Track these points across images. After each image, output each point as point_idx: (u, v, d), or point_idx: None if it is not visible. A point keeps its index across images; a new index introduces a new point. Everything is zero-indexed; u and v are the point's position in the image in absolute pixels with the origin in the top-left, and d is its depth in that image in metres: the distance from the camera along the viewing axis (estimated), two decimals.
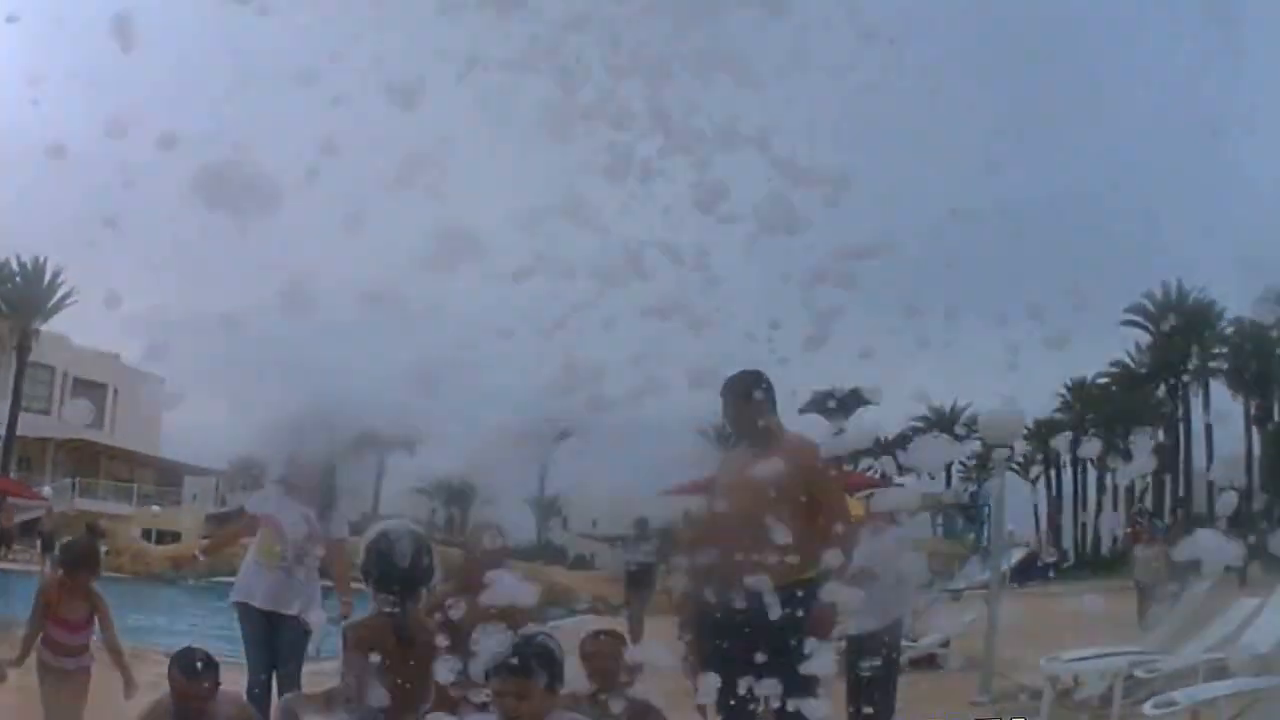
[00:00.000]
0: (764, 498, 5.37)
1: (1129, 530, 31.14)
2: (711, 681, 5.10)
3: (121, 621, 7.69)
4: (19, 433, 48.77)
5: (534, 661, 4.18)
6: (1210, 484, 47.75)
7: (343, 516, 7.44)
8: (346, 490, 7.73)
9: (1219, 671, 9.11)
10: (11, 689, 7.09)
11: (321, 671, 6.78)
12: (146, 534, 45.39)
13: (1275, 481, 45.02)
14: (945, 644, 13.52)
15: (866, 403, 6.88)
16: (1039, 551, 44.54)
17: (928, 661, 13.19)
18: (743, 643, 5.27)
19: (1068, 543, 52.51)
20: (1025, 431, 45.18)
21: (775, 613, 5.24)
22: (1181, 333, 50.90)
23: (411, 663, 4.48)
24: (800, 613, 5.41)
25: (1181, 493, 48.45)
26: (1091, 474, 53.96)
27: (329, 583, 7.50)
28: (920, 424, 56.12)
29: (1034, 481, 55.09)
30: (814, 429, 6.41)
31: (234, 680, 6.32)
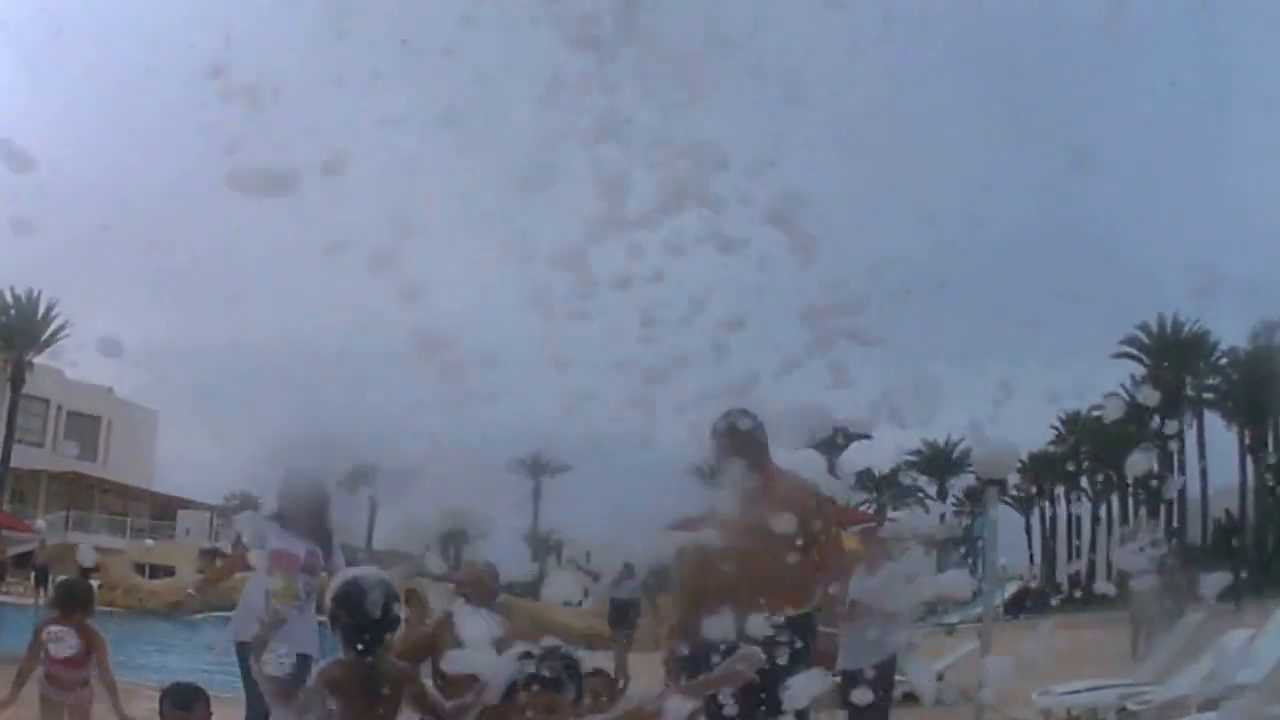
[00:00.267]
0: (756, 537, 5.40)
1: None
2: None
3: (114, 657, 7.75)
4: (12, 465, 48.73)
5: (564, 674, 4.18)
6: (1204, 514, 47.98)
7: (339, 551, 7.41)
8: (342, 525, 7.68)
9: (1210, 703, 9.14)
10: None
11: None
12: (140, 568, 45.13)
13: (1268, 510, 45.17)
14: (939, 677, 13.51)
15: (859, 437, 6.89)
16: (1033, 584, 44.52)
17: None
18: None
19: (1061, 575, 52.47)
20: (1019, 465, 45.30)
21: (771, 650, 5.26)
22: (1175, 364, 51.04)
23: (380, 711, 4.49)
24: (799, 646, 5.44)
25: (1176, 523, 48.48)
26: (1086, 505, 54.05)
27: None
28: (914, 458, 56.43)
29: (1028, 515, 55.17)
30: (808, 464, 6.42)
31: (224, 715, 6.32)
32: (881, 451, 5.86)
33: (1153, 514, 49.12)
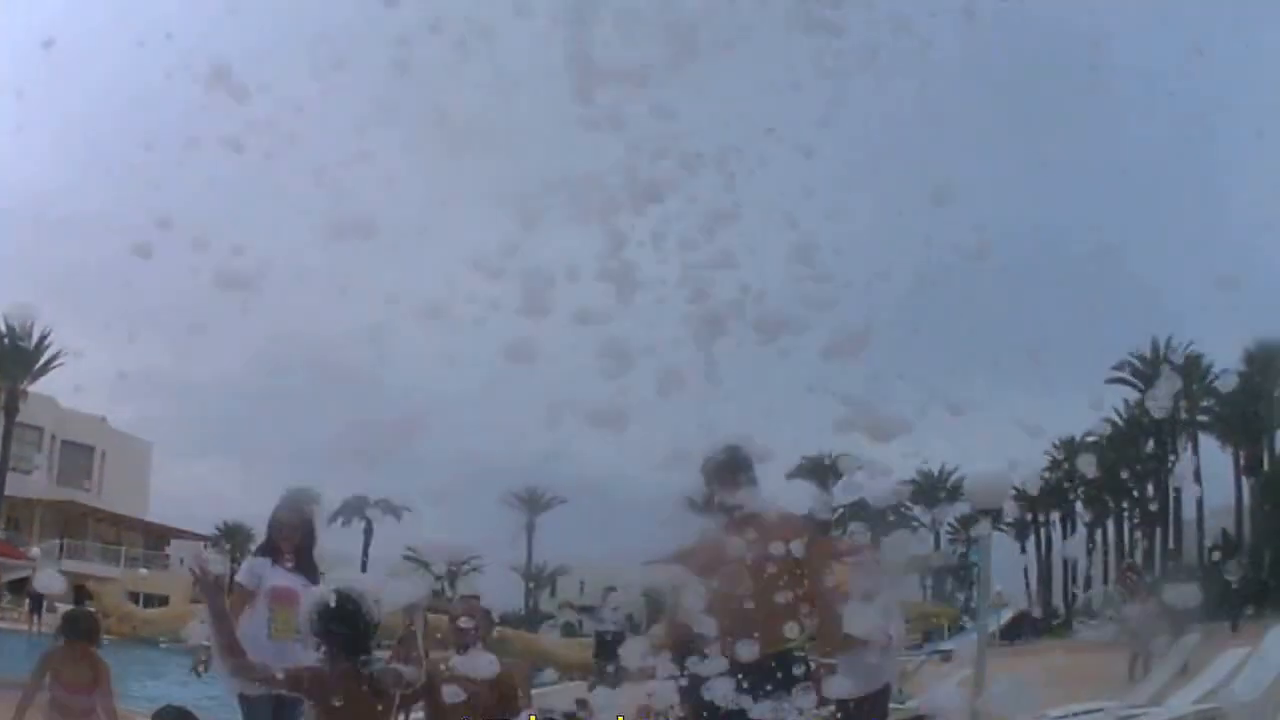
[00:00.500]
0: (746, 572, 5.41)
1: (1119, 585, 31.12)
2: None
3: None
4: (6, 493, 48.59)
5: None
6: (1200, 537, 47.94)
7: (329, 585, 7.35)
8: (334, 558, 7.64)
9: None
10: None
11: None
12: (134, 597, 45.07)
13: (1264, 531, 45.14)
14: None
15: (853, 467, 6.89)
16: (1029, 610, 44.40)
17: None
18: (727, 713, 5.30)
19: (1057, 599, 52.35)
20: (1013, 492, 44.98)
21: (765, 682, 5.28)
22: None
23: (379, 708, 4.61)
24: (794, 675, 5.45)
25: (1171, 544, 48.44)
26: (1081, 530, 53.94)
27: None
28: (909, 487, 56.26)
29: (1023, 542, 55.03)
30: (801, 495, 6.43)
31: None
32: (876, 482, 5.85)
33: (1148, 536, 49.10)
